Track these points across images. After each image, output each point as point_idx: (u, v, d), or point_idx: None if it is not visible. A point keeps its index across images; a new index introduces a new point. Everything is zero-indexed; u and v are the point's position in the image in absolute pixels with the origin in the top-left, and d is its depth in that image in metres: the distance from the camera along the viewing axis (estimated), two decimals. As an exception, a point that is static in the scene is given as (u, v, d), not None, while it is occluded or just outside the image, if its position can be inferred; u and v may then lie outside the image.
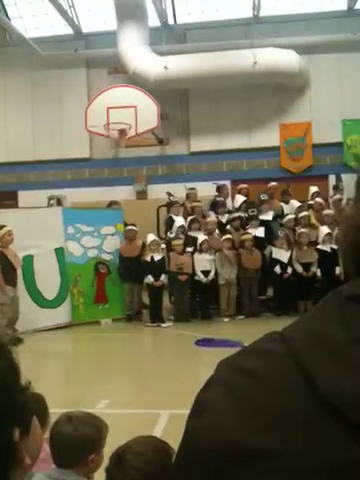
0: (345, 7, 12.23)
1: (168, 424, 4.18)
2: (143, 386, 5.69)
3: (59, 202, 11.48)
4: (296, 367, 0.47)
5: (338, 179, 11.47)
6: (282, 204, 10.23)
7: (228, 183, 11.95)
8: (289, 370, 0.47)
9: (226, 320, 8.96)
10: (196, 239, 9.23)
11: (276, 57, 11.52)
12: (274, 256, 9.18)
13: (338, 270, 8.63)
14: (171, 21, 12.84)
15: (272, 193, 10.29)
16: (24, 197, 12.85)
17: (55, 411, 2.45)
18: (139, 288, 9.38)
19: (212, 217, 9.71)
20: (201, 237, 9.19)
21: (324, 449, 0.43)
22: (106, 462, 1.74)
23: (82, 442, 1.85)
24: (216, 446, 0.47)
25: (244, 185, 10.61)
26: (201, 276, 9.07)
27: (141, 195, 12.73)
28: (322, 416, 0.44)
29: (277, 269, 9.07)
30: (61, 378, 6.52)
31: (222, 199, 10.29)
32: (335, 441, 0.42)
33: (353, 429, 0.42)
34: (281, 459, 0.43)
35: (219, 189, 10.52)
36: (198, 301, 9.39)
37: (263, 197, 9.95)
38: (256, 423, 0.46)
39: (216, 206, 10.06)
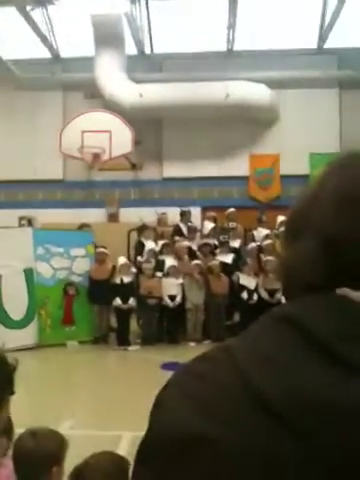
0: (315, 45, 12.78)
1: (130, 445, 4.24)
2: (107, 408, 5.72)
3: (30, 223, 11.48)
4: (235, 371, 0.59)
5: None
6: (253, 232, 10.46)
7: (198, 210, 12.18)
8: (230, 373, 0.59)
9: (193, 344, 9.05)
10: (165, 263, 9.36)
11: (248, 90, 11.91)
12: (241, 282, 9.37)
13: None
14: (148, 50, 13.16)
15: (233, 219, 10.53)
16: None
17: (19, 431, 2.53)
18: (108, 311, 9.43)
19: (183, 242, 9.86)
20: (169, 262, 9.31)
21: (254, 435, 0.55)
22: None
23: (45, 456, 1.94)
24: (168, 433, 0.59)
25: (212, 213, 10.85)
26: (168, 301, 9.17)
27: (113, 218, 12.81)
28: (253, 408, 0.56)
29: (244, 295, 9.26)
30: (26, 398, 6.48)
31: (194, 225, 10.50)
32: (263, 429, 0.55)
33: (274, 417, 0.54)
34: (220, 443, 0.56)
35: (183, 215, 10.70)
36: (165, 325, 9.48)
37: (232, 225, 10.20)
38: (202, 415, 0.58)
39: (182, 232, 10.21)
